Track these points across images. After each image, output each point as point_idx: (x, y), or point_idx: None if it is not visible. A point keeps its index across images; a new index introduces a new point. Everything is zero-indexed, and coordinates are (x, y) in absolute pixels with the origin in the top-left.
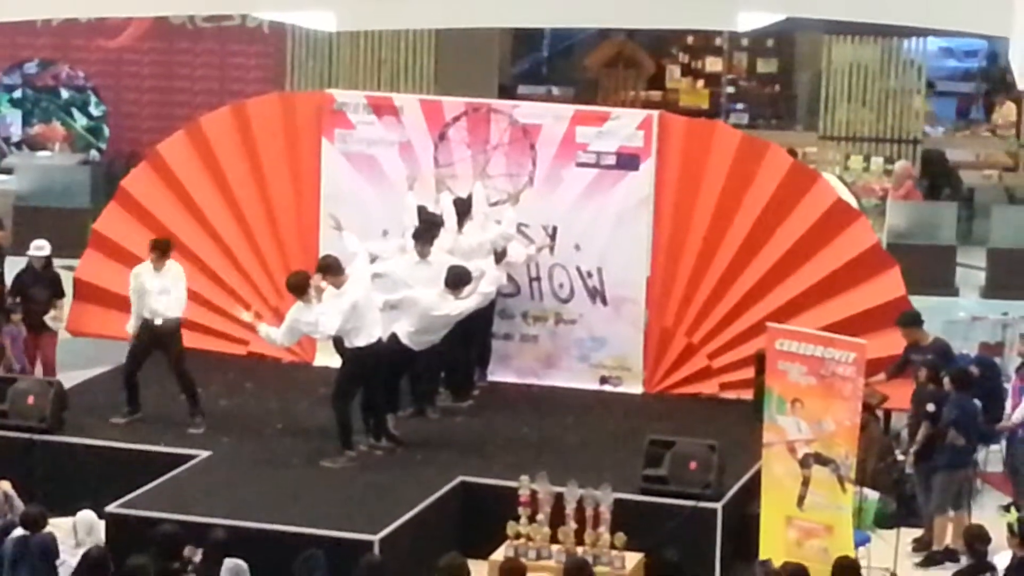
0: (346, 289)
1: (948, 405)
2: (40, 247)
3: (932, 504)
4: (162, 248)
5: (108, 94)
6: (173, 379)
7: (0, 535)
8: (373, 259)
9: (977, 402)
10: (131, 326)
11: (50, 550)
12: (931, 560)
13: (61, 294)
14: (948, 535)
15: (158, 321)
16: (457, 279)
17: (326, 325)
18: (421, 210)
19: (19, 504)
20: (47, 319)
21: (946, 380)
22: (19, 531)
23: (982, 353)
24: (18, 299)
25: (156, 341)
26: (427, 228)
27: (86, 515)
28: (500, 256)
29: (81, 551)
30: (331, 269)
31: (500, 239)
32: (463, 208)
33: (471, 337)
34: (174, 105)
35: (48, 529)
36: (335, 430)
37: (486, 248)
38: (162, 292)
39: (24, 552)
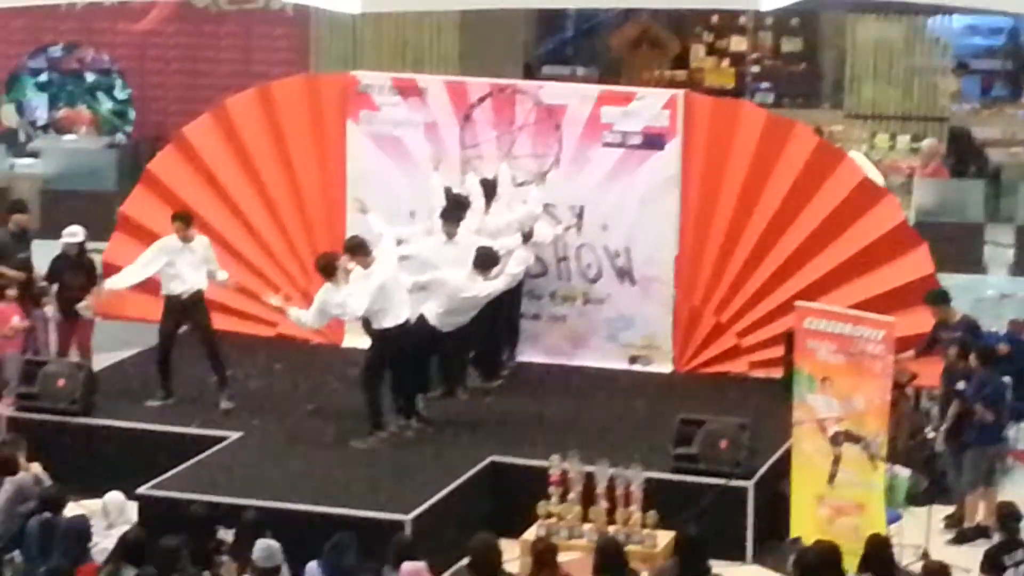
0: (373, 270)
1: (974, 382)
2: (73, 233)
3: (963, 481)
4: (185, 219)
5: (133, 77)
6: (203, 359)
7: (32, 516)
8: (400, 242)
9: (1007, 379)
10: (117, 282)
11: (84, 533)
12: (962, 537)
13: (96, 280)
14: (980, 512)
15: (185, 295)
16: (485, 260)
17: (354, 306)
18: (447, 191)
19: (49, 486)
20: (80, 307)
21: (972, 357)
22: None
23: (1011, 330)
24: (53, 285)
25: (184, 315)
26: (454, 209)
27: (116, 496)
28: (527, 236)
29: (114, 532)
30: (359, 250)
31: (527, 219)
32: (489, 189)
33: (500, 317)
34: (199, 88)
35: (81, 511)
36: (365, 411)
37: (513, 228)
38: (195, 267)
39: (51, 534)
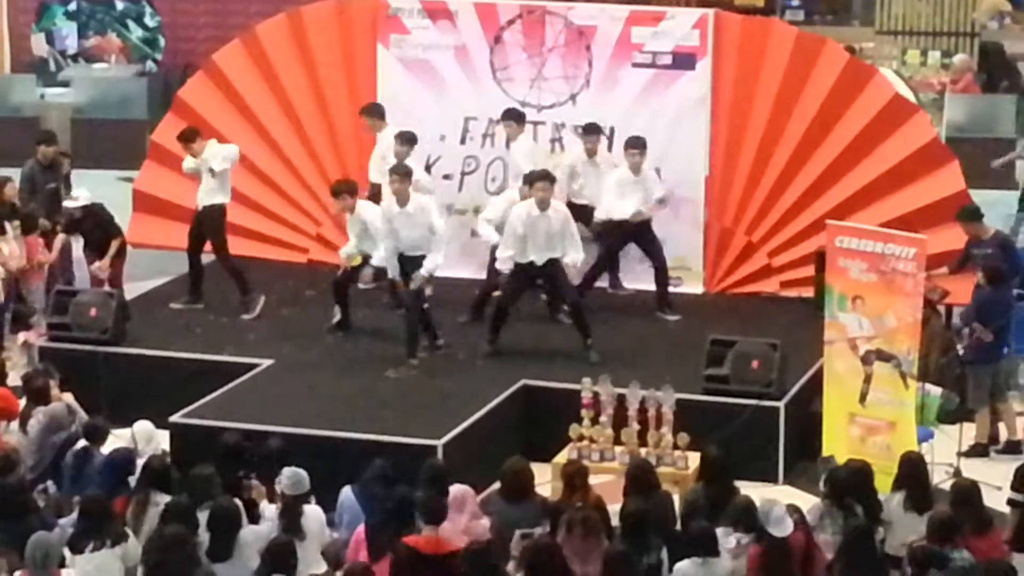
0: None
1: (974, 301)
2: (75, 199)
3: (969, 400)
4: (184, 137)
5: (163, 4)
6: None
7: (65, 446)
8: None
9: None
10: None
11: (126, 465)
12: (974, 451)
13: (115, 233)
14: (1001, 427)
15: (199, 207)
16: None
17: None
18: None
19: (83, 416)
20: (92, 268)
21: (979, 275)
22: (81, 443)
23: None
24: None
25: (201, 226)
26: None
27: (144, 425)
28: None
29: (142, 462)
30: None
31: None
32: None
33: None
34: (229, 14)
35: (121, 444)
36: (399, 337)
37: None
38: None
39: (86, 465)
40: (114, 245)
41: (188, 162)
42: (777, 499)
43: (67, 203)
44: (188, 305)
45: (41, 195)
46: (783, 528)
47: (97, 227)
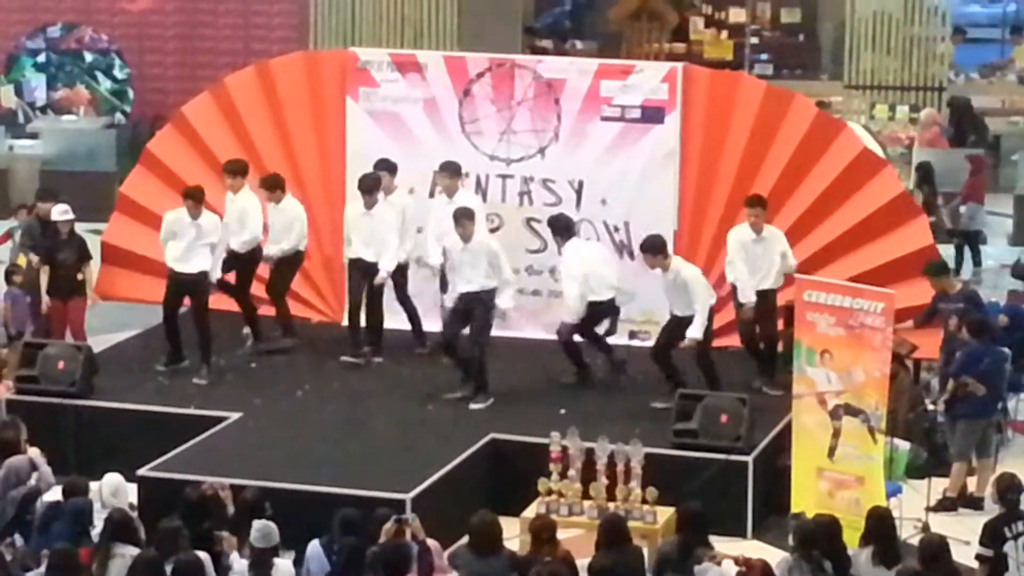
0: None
1: (960, 355)
2: (65, 211)
3: (952, 451)
4: (195, 196)
5: (132, 56)
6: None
7: (25, 500)
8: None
9: (1006, 350)
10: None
11: (85, 514)
12: (942, 505)
13: (88, 257)
14: (972, 483)
15: (187, 274)
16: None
17: None
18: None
19: (45, 470)
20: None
21: (963, 329)
22: (49, 496)
23: (1011, 301)
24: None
25: (183, 289)
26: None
27: (111, 477)
28: None
29: (104, 513)
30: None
31: None
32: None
33: None
34: (198, 66)
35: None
36: (368, 390)
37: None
38: (201, 247)
39: (55, 516)
40: (93, 270)
41: (183, 226)
42: (707, 565)
43: (56, 216)
44: (172, 366)
45: (38, 251)
46: None
47: (77, 246)
